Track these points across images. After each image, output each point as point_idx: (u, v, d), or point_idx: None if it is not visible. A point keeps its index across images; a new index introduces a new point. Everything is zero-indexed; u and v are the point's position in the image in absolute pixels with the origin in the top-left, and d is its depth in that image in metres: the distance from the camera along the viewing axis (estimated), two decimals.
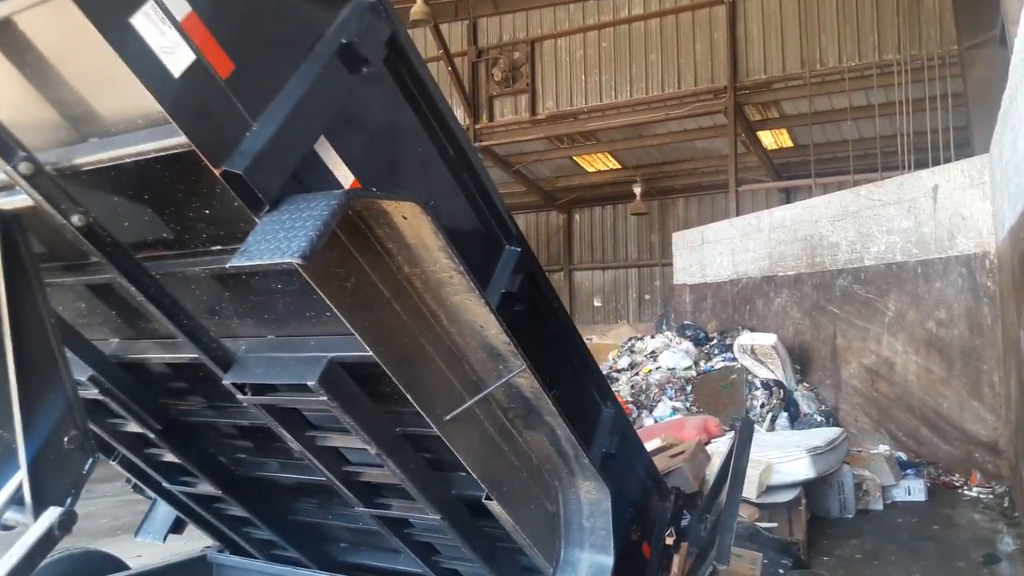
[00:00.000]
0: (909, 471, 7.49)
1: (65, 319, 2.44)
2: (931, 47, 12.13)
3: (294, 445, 2.34)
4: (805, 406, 8.77)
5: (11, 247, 1.96)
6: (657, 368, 9.95)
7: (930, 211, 8.09)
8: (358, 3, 1.92)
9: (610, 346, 11.94)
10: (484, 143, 15.34)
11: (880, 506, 6.81)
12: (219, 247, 2.00)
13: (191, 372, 2.49)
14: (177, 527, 3.42)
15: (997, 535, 5.97)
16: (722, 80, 13.66)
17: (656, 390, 9.40)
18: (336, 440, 2.37)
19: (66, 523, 1.98)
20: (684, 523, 3.27)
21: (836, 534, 6.13)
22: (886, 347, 8.50)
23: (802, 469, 5.79)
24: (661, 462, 4.63)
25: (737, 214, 12.48)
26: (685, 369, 9.76)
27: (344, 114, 1.89)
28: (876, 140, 12.62)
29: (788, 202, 13.11)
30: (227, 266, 1.57)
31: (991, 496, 7.02)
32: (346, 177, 1.90)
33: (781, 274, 9.92)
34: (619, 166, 17.27)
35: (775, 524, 5.33)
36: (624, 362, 10.64)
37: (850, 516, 6.55)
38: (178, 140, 1.61)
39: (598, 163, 17.29)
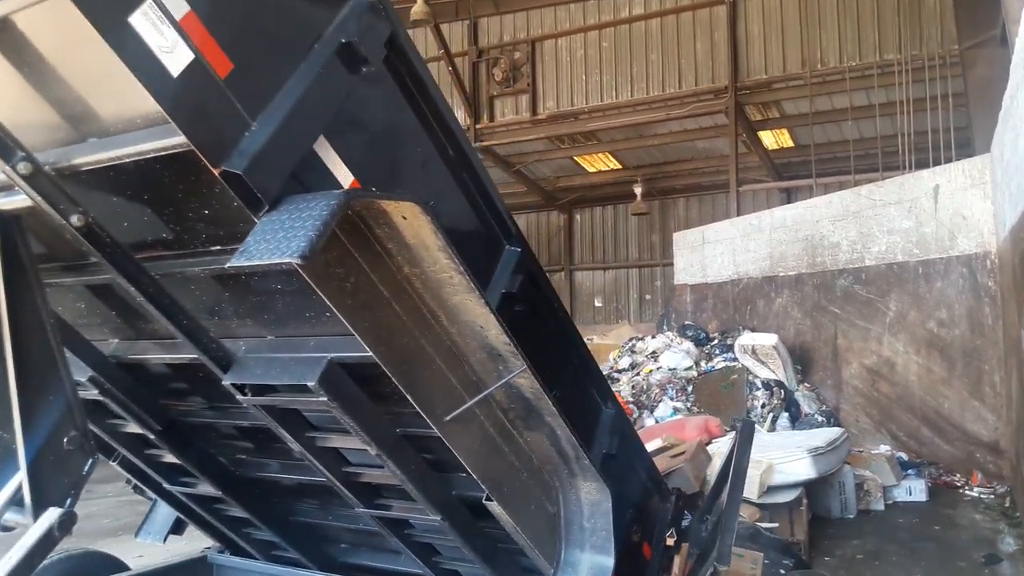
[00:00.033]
0: (910, 471, 7.47)
1: (65, 319, 2.44)
2: (932, 47, 12.12)
3: (294, 446, 2.34)
4: (806, 406, 8.76)
5: (10, 247, 1.96)
6: (658, 368, 9.94)
7: (931, 211, 8.08)
8: (357, 3, 1.91)
9: (611, 346, 11.94)
10: (485, 143, 15.33)
11: (881, 506, 6.80)
12: (218, 247, 2.00)
13: (191, 373, 2.49)
14: (177, 528, 3.43)
15: (998, 535, 5.96)
16: (723, 80, 13.66)
17: (657, 390, 9.39)
18: (336, 441, 2.36)
19: (66, 524, 1.97)
20: (685, 524, 3.27)
21: (837, 534, 6.12)
22: (887, 347, 8.48)
23: (803, 469, 5.79)
24: (662, 462, 4.63)
25: (738, 214, 12.46)
26: (686, 369, 9.75)
27: (344, 114, 1.88)
28: (877, 140, 12.60)
29: (789, 202, 13.07)
30: (226, 266, 1.57)
31: (992, 496, 7.00)
32: (345, 177, 1.89)
33: (782, 274, 9.91)
34: (620, 166, 17.26)
35: (776, 524, 5.33)
36: (625, 362, 10.64)
37: (851, 516, 6.54)
38: (177, 140, 1.61)
39: (599, 163, 17.28)
